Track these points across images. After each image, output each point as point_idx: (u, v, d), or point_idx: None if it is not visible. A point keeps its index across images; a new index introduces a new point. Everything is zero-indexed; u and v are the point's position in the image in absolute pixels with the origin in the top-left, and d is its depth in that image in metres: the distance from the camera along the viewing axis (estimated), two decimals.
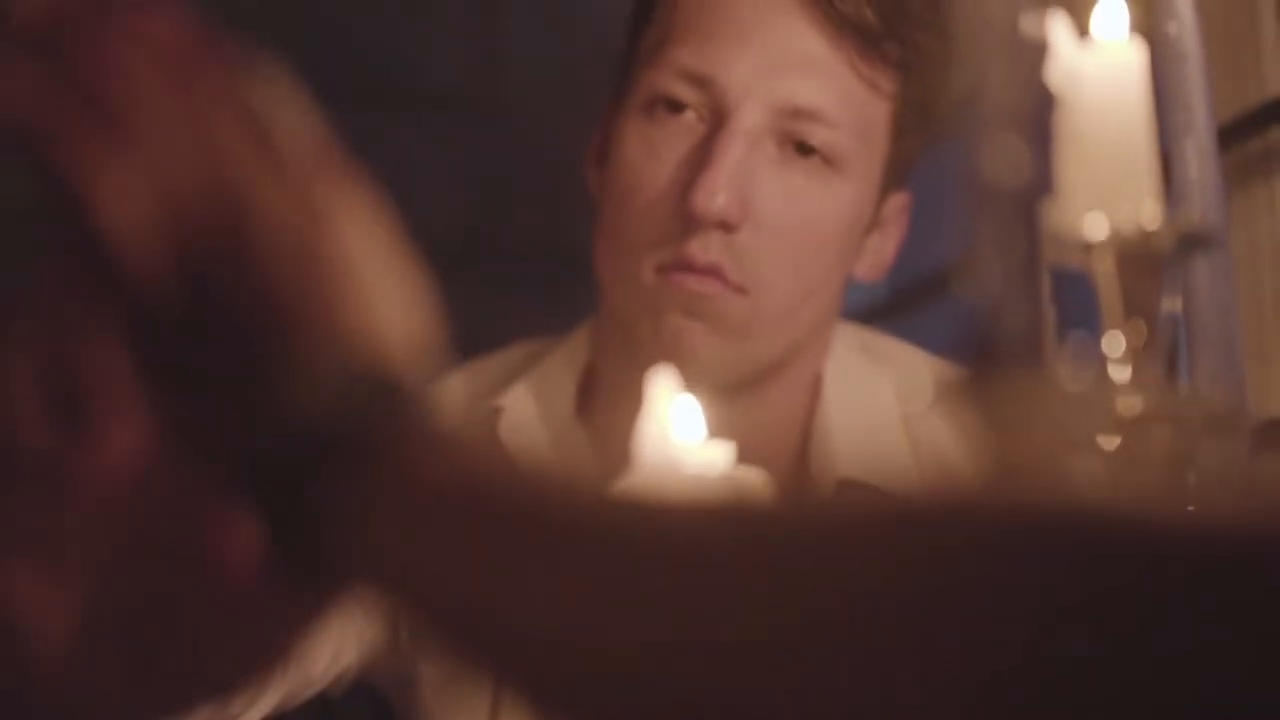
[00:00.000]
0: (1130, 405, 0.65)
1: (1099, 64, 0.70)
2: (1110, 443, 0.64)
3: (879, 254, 1.21)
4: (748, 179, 1.10)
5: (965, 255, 0.60)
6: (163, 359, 0.47)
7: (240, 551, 0.47)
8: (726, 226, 1.10)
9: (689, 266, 1.10)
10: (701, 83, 1.12)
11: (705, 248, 1.10)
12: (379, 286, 0.48)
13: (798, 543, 0.39)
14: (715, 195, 1.09)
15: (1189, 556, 0.33)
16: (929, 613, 0.35)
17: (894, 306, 2.00)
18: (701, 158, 1.11)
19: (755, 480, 0.62)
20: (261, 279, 0.47)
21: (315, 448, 0.46)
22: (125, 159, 0.47)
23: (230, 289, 0.47)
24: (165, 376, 0.47)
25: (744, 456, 0.65)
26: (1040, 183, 0.62)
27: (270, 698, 1.05)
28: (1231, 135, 1.50)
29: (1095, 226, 0.67)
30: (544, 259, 1.90)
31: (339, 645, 1.12)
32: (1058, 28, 0.69)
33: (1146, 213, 0.68)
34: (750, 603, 0.38)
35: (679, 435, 0.66)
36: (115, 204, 0.47)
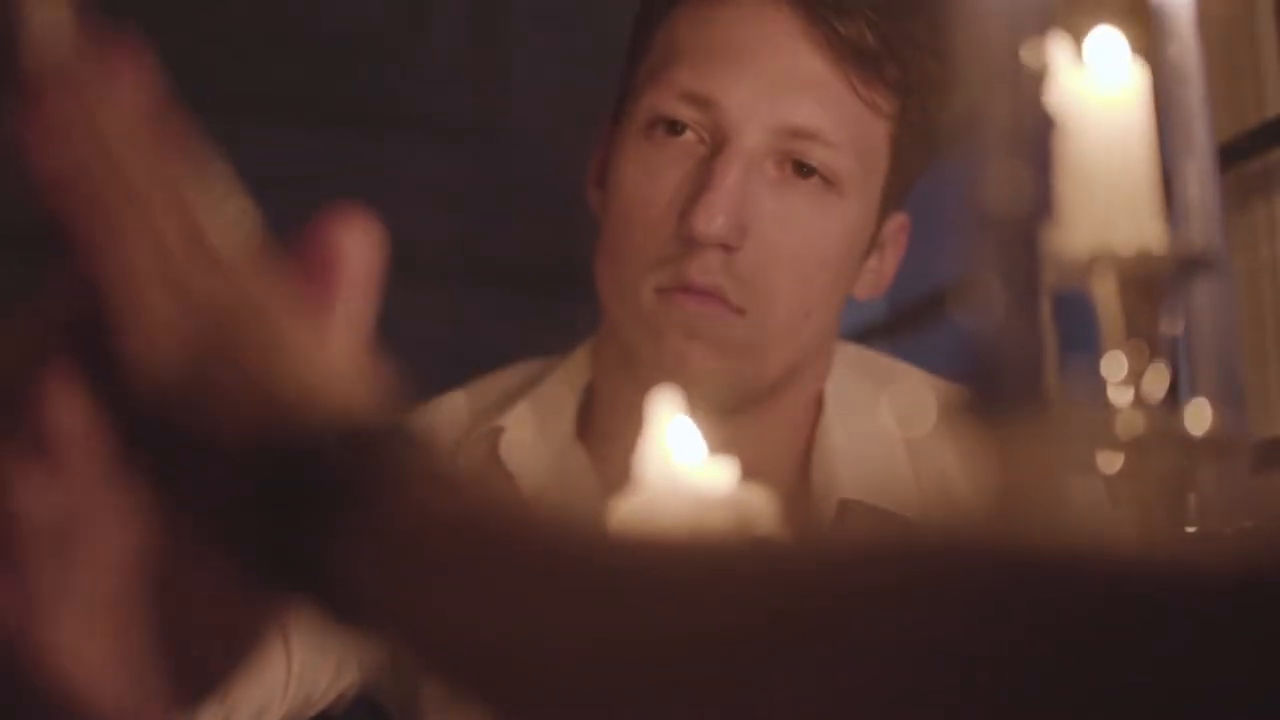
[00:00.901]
0: (1131, 427, 0.65)
1: (1099, 86, 0.70)
2: (1111, 464, 0.65)
3: (878, 274, 1.22)
4: (747, 200, 1.11)
5: (966, 277, 0.60)
6: (143, 418, 0.48)
7: (216, 578, 0.48)
8: (726, 248, 1.10)
9: (689, 288, 1.10)
10: (702, 104, 1.12)
11: (705, 269, 1.10)
12: (322, 346, 0.49)
13: (795, 578, 0.40)
14: (715, 217, 1.09)
15: (1165, 597, 0.34)
16: (924, 649, 0.36)
17: (893, 325, 2.00)
18: (701, 179, 1.11)
19: (759, 500, 0.62)
20: (226, 358, 0.48)
21: (304, 498, 0.46)
22: (138, 235, 0.48)
23: (209, 365, 0.48)
24: (143, 433, 0.48)
25: (745, 477, 0.65)
26: (1041, 205, 0.62)
27: (271, 717, 1.05)
28: (1231, 156, 1.50)
29: (1096, 249, 0.68)
30: (545, 279, 1.90)
31: (340, 664, 1.12)
32: (1058, 50, 0.69)
33: (1147, 235, 0.68)
34: (747, 635, 0.39)
35: (680, 456, 0.66)
36: (129, 283, 0.47)
